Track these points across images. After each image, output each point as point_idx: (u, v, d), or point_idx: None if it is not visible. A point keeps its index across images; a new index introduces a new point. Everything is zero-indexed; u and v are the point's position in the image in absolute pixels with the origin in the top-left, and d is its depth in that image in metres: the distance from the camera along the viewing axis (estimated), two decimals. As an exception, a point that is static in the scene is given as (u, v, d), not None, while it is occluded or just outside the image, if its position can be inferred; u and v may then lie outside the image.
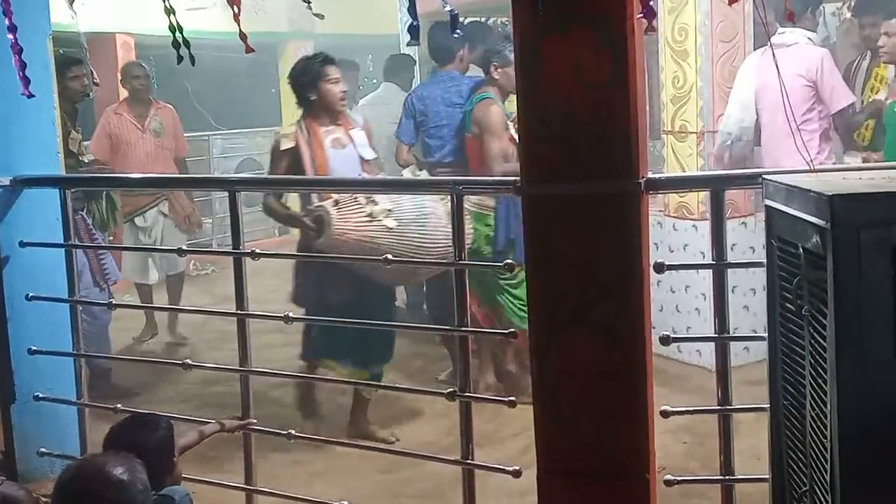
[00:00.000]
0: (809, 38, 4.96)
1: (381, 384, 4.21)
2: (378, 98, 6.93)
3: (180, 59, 2.42)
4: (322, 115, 4.46)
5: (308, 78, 4.44)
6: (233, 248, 3.24)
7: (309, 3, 2.29)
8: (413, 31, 2.21)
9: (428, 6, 7.70)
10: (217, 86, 10.08)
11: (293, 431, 3.22)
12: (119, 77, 6.91)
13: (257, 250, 3.24)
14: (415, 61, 7.04)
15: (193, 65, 2.37)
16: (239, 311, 3.21)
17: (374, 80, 9.73)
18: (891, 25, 4.49)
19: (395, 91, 6.75)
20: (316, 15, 2.22)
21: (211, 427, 3.04)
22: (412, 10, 2.12)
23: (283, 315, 3.19)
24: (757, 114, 5.03)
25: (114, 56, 8.83)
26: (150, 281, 6.31)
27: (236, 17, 2.27)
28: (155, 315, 6.36)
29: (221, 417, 3.22)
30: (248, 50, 2.39)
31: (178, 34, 2.42)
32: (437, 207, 4.04)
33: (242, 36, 2.37)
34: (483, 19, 7.18)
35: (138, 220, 6.20)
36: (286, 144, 4.41)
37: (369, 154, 4.51)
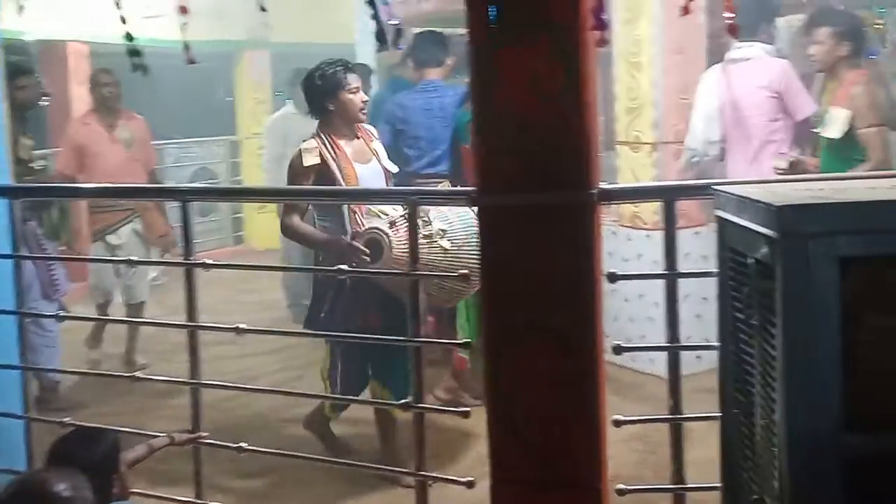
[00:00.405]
0: (767, 51, 5.02)
1: (333, 396, 4.16)
2: None
3: (135, 67, 2.40)
4: (342, 127, 4.19)
5: (327, 87, 4.16)
6: (184, 259, 3.19)
7: (264, 9, 2.27)
8: (380, 36, 2.19)
9: (385, 15, 7.66)
10: (171, 94, 9.99)
11: (244, 445, 3.17)
12: (72, 84, 6.83)
13: (209, 261, 3.20)
14: (372, 70, 7.04)
15: (146, 75, 2.34)
16: (190, 323, 3.17)
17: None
18: (819, 34, 4.56)
19: None
20: (263, 24, 2.20)
21: (160, 440, 3.00)
22: (377, 16, 2.11)
23: (234, 326, 3.15)
24: (722, 128, 5.06)
25: (65, 64, 8.73)
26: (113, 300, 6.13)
27: (183, 27, 2.25)
28: (105, 331, 6.17)
29: (172, 431, 3.18)
30: (190, 61, 2.37)
31: (131, 43, 2.40)
32: None
33: (186, 46, 2.34)
34: (441, 30, 7.20)
35: (111, 238, 5.91)
36: (310, 160, 4.06)
37: (393, 167, 4.35)
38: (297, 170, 4.07)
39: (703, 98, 5.11)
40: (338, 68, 4.18)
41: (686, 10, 2.05)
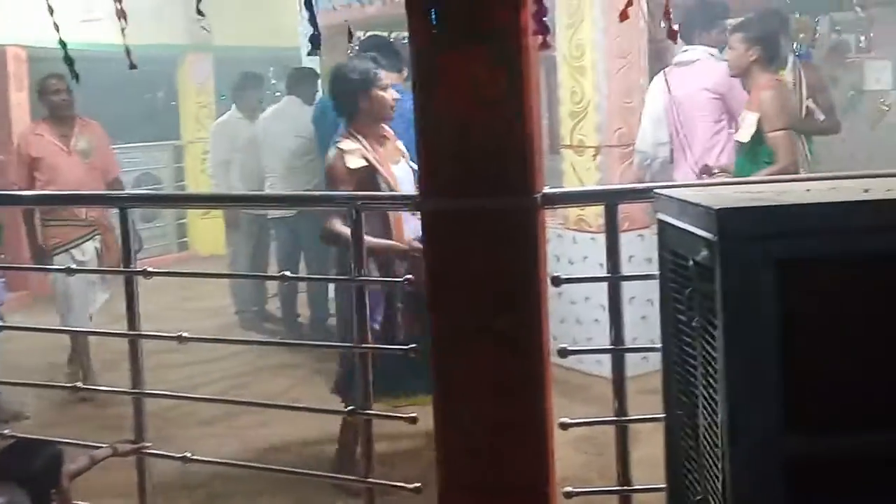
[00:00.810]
0: (711, 54, 5.09)
1: (276, 404, 4.12)
2: (280, 111, 6.86)
3: (74, 74, 2.36)
4: (372, 125, 3.99)
5: (360, 82, 3.93)
6: (123, 267, 3.14)
7: (202, 14, 2.24)
8: (314, 40, 2.18)
9: (330, 19, 7.70)
10: (113, 99, 9.85)
11: (188, 454, 3.13)
12: (11, 90, 6.67)
13: (149, 269, 3.14)
14: (318, 74, 7.00)
15: (78, 81, 2.31)
16: (131, 332, 3.12)
17: (278, 93, 9.65)
18: (733, 39, 4.65)
19: (297, 104, 6.69)
20: (203, 28, 2.18)
21: (103, 451, 2.94)
22: (313, 20, 2.09)
23: (177, 335, 3.11)
24: (669, 130, 5.12)
25: (4, 69, 8.57)
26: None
27: (123, 31, 2.21)
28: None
29: (115, 441, 3.13)
30: (132, 65, 2.34)
31: (65, 49, 2.36)
32: None
33: (127, 51, 2.31)
34: (387, 33, 7.18)
35: (76, 253, 5.56)
36: (355, 163, 3.83)
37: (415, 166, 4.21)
38: (340, 174, 3.84)
39: (651, 101, 5.18)
40: (371, 63, 3.99)
41: (624, 15, 2.07)
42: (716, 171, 4.72)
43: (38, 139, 5.66)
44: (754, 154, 4.54)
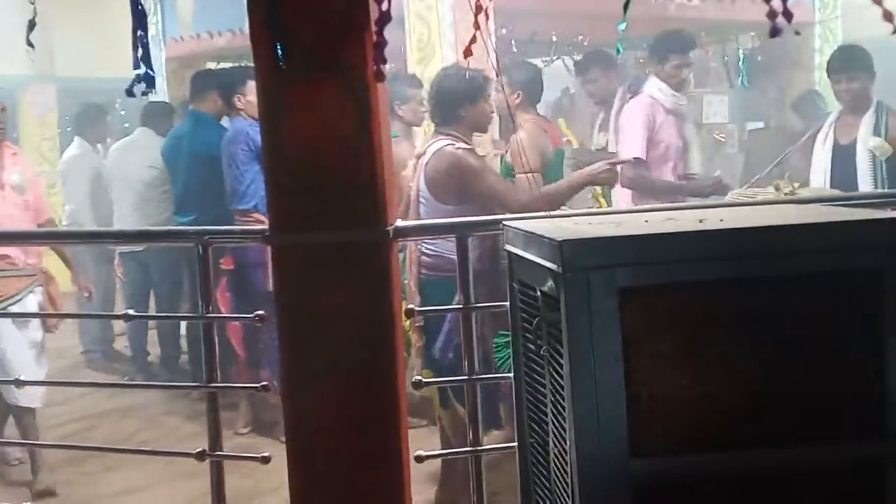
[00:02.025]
0: None
1: (123, 448, 3.96)
2: (133, 143, 6.65)
3: None
4: (468, 136, 4.02)
5: (470, 92, 3.93)
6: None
7: (32, 46, 2.15)
8: (149, 80, 2.09)
9: (176, 50, 7.52)
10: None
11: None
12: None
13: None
14: (174, 109, 6.84)
15: None
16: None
17: (126, 124, 9.36)
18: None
19: (150, 136, 6.52)
20: (31, 60, 2.08)
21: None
22: (146, 58, 2.01)
23: (13, 379, 2.95)
24: None
25: None
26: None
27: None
28: None
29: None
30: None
31: None
32: None
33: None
34: (237, 65, 7.10)
35: (15, 308, 4.50)
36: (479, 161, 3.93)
37: None
38: (478, 167, 3.89)
39: None
40: (480, 75, 3.97)
41: (468, 52, 2.11)
42: None
43: None
44: None
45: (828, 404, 1.67)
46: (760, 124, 7.64)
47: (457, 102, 3.95)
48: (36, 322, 4.64)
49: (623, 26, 1.93)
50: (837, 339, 1.67)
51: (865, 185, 4.60)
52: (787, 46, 6.96)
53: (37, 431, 4.49)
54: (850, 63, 4.74)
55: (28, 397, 4.46)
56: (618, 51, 2.35)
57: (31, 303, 4.61)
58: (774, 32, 1.61)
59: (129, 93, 2.03)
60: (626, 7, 1.81)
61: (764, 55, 7.23)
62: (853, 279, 1.66)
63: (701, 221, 1.80)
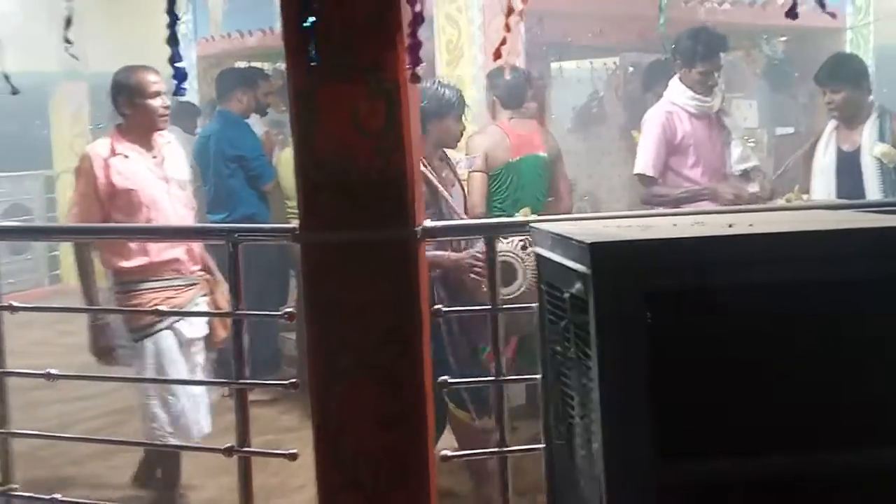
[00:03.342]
0: None
1: (151, 443, 3.99)
2: None
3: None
4: (433, 151, 4.10)
5: (439, 108, 3.99)
6: (-13, 302, 3.00)
7: (70, 42, 2.18)
8: (180, 77, 2.10)
9: (207, 49, 7.58)
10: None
11: (58, 496, 3.00)
12: None
13: (15, 303, 3.02)
14: (199, 109, 6.90)
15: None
16: (-4, 370, 2.98)
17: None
18: None
19: (180, 135, 6.57)
20: (71, 55, 2.11)
21: (-35, 496, 2.80)
22: (177, 58, 2.02)
23: (44, 372, 2.98)
24: None
25: None
26: None
27: (-3, 58, 2.15)
28: None
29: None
30: (14, 91, 2.26)
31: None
32: None
33: (6, 77, 2.24)
34: (267, 65, 7.14)
35: (184, 329, 4.00)
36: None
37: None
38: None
39: None
40: (457, 92, 4.04)
41: (498, 54, 2.11)
42: None
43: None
44: None
45: (858, 409, 1.67)
46: (790, 129, 7.59)
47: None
48: (201, 343, 4.10)
49: (663, 25, 1.93)
50: (869, 343, 1.66)
51: (874, 191, 4.48)
52: (818, 51, 6.91)
53: None
54: (835, 74, 4.61)
55: (204, 423, 4.05)
56: (665, 53, 2.35)
57: (197, 319, 4.07)
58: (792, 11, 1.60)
59: (177, 92, 2.05)
60: (661, 7, 1.82)
61: (794, 60, 7.19)
62: (885, 285, 1.65)
63: (730, 226, 1.80)
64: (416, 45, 2.09)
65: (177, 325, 3.93)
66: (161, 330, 3.90)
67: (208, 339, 4.11)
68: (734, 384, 1.66)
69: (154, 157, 4.03)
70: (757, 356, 1.65)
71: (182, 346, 3.96)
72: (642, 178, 4.81)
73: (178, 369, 3.91)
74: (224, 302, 3.99)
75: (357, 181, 2.29)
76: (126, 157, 3.95)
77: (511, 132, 4.78)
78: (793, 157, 5.18)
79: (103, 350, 3.90)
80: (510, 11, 2.02)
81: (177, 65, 1.94)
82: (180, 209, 4.03)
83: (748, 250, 1.66)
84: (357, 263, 2.32)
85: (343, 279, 2.34)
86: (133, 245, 3.86)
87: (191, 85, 7.50)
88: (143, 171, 3.97)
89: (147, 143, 4.02)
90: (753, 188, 4.71)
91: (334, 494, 2.40)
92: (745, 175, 4.87)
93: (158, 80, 4.02)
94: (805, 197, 4.20)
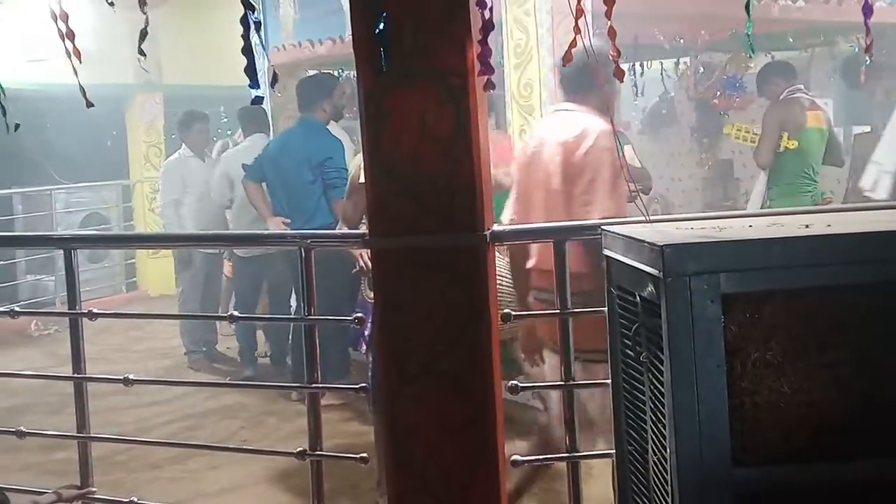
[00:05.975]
0: None
1: (226, 447, 4.05)
2: (251, 148, 6.69)
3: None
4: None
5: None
6: (69, 309, 3.09)
7: (144, 55, 2.22)
8: (255, 81, 2.13)
9: (278, 58, 7.66)
10: (60, 138, 9.72)
11: (136, 499, 3.07)
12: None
13: (94, 310, 3.09)
14: (266, 113, 6.98)
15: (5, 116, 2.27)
16: (76, 375, 3.06)
17: (229, 132, 9.61)
18: None
19: (265, 140, 6.63)
20: (143, 69, 2.16)
21: (47, 497, 2.87)
22: (252, 69, 2.05)
23: (123, 377, 3.05)
24: None
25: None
26: None
27: (76, 71, 2.19)
28: None
29: (60, 486, 3.05)
30: (89, 104, 2.31)
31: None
32: None
33: (82, 90, 2.29)
34: (337, 72, 7.21)
35: None
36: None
37: None
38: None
39: None
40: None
41: (569, 57, 2.10)
42: None
43: None
44: None
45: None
46: (867, 128, 7.40)
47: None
48: None
49: (749, 26, 1.90)
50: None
51: None
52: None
53: None
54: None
55: None
56: (750, 52, 2.31)
57: None
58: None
59: (256, 101, 2.10)
60: (747, 7, 1.79)
61: (872, 57, 6.99)
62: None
63: (807, 227, 1.76)
64: (486, 53, 2.08)
65: None
66: None
67: None
68: (811, 388, 1.62)
69: None
70: (834, 359, 1.61)
71: None
72: None
73: None
74: None
75: (426, 186, 2.30)
76: None
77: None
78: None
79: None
80: (580, 13, 2.01)
81: (253, 73, 1.97)
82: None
83: (826, 251, 1.62)
84: (426, 268, 2.33)
85: (413, 284, 2.34)
86: None
87: (265, 93, 7.62)
88: None
89: None
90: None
91: (406, 499, 2.41)
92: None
93: None
94: None
